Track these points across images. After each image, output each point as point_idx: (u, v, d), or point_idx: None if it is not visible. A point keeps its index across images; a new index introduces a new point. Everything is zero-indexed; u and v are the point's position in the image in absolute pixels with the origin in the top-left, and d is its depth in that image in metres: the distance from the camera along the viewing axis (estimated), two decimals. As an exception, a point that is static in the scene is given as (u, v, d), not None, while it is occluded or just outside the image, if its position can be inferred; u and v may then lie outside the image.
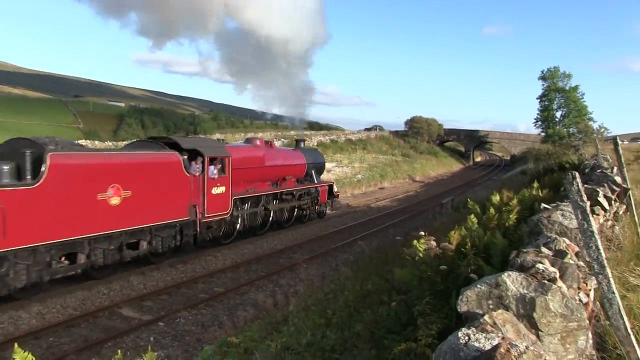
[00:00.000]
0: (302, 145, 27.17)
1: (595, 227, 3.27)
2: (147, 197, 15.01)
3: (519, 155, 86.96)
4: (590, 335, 3.85)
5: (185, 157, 16.79)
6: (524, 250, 4.05)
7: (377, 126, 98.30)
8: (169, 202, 15.86)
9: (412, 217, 29.03)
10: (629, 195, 8.42)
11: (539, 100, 69.03)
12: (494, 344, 2.37)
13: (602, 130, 37.75)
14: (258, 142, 22.61)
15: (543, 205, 6.41)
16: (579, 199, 3.19)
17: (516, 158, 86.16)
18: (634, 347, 3.25)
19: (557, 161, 23.02)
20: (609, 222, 8.17)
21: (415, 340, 4.77)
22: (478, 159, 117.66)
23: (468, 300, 3.04)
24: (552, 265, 3.64)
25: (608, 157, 16.61)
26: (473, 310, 3.03)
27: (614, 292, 3.24)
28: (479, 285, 3.07)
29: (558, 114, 67.23)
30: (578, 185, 3.19)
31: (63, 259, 13.26)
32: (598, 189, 7.59)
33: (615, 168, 10.60)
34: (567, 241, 4.68)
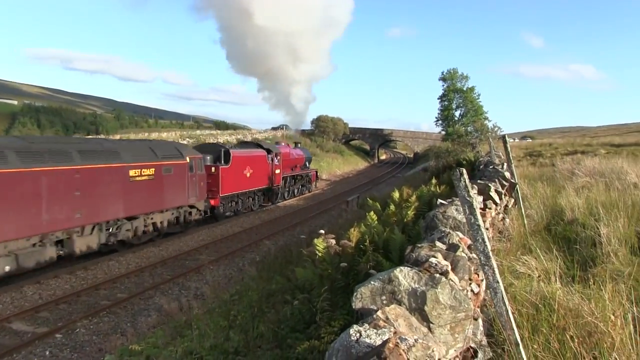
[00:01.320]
0: (299, 145, 44.05)
1: (481, 220, 3.40)
2: (256, 173, 29.87)
3: (421, 153, 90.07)
4: (481, 322, 4.01)
5: (266, 153, 32.02)
6: (419, 245, 4.15)
7: (284, 125, 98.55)
8: (264, 175, 31.44)
9: (319, 214, 29.31)
10: (517, 189, 8.90)
11: (439, 100, 71.72)
12: (384, 339, 2.39)
13: (496, 129, 39.66)
14: (283, 144, 39.51)
15: (440, 200, 6.63)
16: (466, 195, 3.30)
17: (419, 156, 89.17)
18: (513, 329, 3.42)
19: (455, 158, 24.03)
20: (500, 215, 8.61)
21: (318, 337, 4.77)
22: (383, 157, 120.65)
23: (362, 297, 3.07)
24: (445, 258, 3.75)
25: (500, 154, 17.41)
26: (367, 306, 3.06)
27: (498, 282, 3.38)
28: (372, 282, 3.10)
29: (457, 114, 70.17)
30: (465, 182, 3.31)
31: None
32: (490, 184, 7.97)
33: (506, 164, 11.16)
34: (460, 235, 4.85)
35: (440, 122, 72.38)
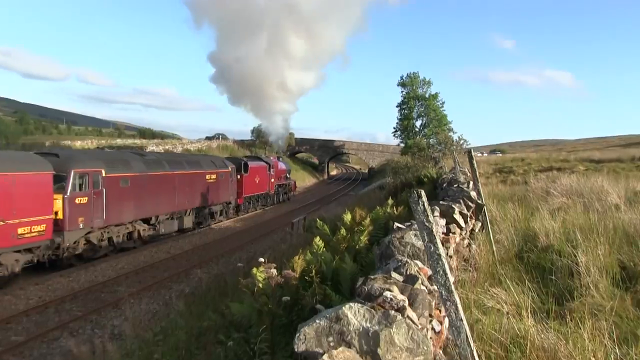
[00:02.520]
0: (281, 158, 58.91)
1: (442, 250, 3.43)
2: (261, 181, 44.99)
3: (377, 168, 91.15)
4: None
5: (267, 165, 46.99)
6: (372, 276, 4.15)
7: (220, 134, 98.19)
8: (265, 183, 45.82)
9: (260, 238, 29.19)
10: (484, 211, 9.07)
11: (398, 108, 72.04)
12: (330, 390, 2.36)
13: (462, 141, 40.29)
14: (272, 158, 52.66)
15: (396, 224, 6.67)
16: (424, 220, 3.33)
17: (374, 171, 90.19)
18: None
19: (415, 175, 24.35)
20: (466, 241, 8.74)
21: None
22: (334, 173, 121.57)
23: (306, 338, 3.03)
24: (402, 292, 3.76)
25: (466, 170, 17.71)
26: (312, 349, 3.02)
27: (461, 319, 3.41)
28: (318, 320, 3.07)
29: (418, 124, 70.66)
30: (424, 205, 3.33)
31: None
32: (454, 206, 8.09)
33: (472, 183, 11.35)
34: (420, 264, 4.87)
35: (398, 133, 72.50)
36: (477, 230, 9.27)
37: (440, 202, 8.45)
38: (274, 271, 5.83)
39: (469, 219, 8.52)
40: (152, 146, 65.54)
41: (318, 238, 7.15)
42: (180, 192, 30.04)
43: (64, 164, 21.60)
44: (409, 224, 6.76)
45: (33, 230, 18.97)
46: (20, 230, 18.42)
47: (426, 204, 3.38)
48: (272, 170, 48.57)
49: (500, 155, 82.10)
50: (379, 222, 8.86)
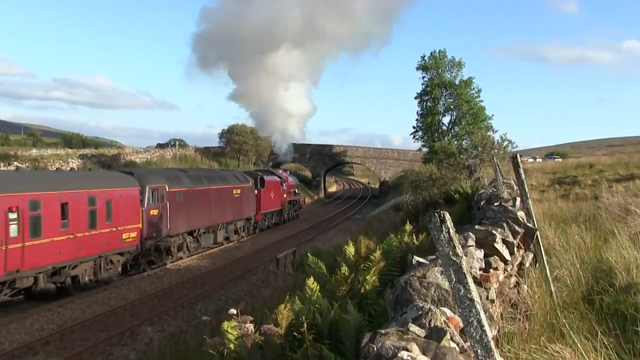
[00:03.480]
0: (288, 172, 75.10)
1: (475, 292, 3.43)
2: (276, 196, 59.86)
3: (391, 181, 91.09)
4: None
5: (280, 178, 63.26)
6: (383, 331, 4.14)
7: (177, 141, 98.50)
8: (279, 199, 60.89)
9: (233, 281, 29.23)
10: (537, 238, 9.06)
11: (418, 99, 71.98)
12: None
13: (505, 143, 40.07)
14: (280, 172, 66.98)
15: (416, 258, 6.66)
16: (450, 252, 3.34)
17: (388, 186, 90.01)
18: None
19: (442, 190, 24.34)
20: (512, 280, 8.70)
21: None
22: (333, 189, 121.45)
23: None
24: (424, 351, 3.74)
25: (512, 182, 17.68)
26: None
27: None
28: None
29: (446, 120, 70.01)
30: (449, 232, 3.33)
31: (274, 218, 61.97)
32: (495, 232, 8.06)
33: (519, 199, 11.31)
34: (449, 312, 4.87)
35: (419, 133, 71.82)
36: (527, 265, 9.24)
37: (477, 226, 8.44)
38: (250, 326, 5.83)
39: (516, 249, 8.51)
40: (74, 161, 64.81)
41: (311, 279, 7.14)
42: (215, 207, 42.63)
43: (140, 180, 33.57)
44: (434, 257, 6.75)
45: (130, 237, 31.46)
46: (124, 236, 30.96)
47: (452, 231, 3.37)
48: (284, 184, 62.08)
49: (560, 160, 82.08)
50: (393, 256, 8.85)
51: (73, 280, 27.85)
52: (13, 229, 24.24)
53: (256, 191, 51.84)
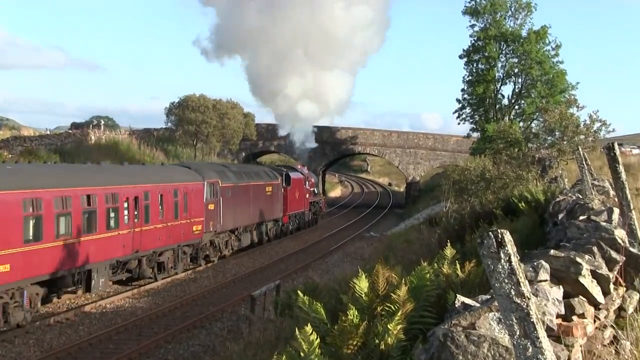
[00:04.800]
0: (306, 167, 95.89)
1: (550, 352, 3.42)
2: (300, 195, 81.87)
3: (424, 181, 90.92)
4: None
5: (303, 175, 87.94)
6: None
7: (102, 119, 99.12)
8: (303, 198, 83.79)
9: (191, 329, 29.43)
10: (644, 270, 9.05)
11: (464, 60, 71.68)
12: None
13: (597, 125, 39.50)
14: (299, 167, 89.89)
15: (461, 299, 6.67)
16: (512, 291, 3.32)
17: (418, 189, 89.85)
18: None
19: (501, 196, 24.31)
20: (607, 332, 8.68)
21: None
22: (336, 193, 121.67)
23: None
24: None
25: (607, 184, 17.58)
26: None
27: None
28: None
29: (506, 91, 69.59)
30: (509, 261, 3.31)
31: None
32: (580, 260, 8.06)
33: (617, 210, 11.25)
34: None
35: (466, 111, 71.75)
36: (631, 310, 9.23)
37: (552, 251, 8.43)
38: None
39: (612, 286, 8.52)
40: None
41: (308, 328, 7.16)
42: (253, 204, 60.06)
43: (200, 174, 50.33)
44: (488, 297, 6.74)
45: (197, 229, 48.14)
46: (194, 228, 47.49)
47: (515, 259, 3.36)
48: (307, 183, 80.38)
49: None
50: (427, 295, 8.88)
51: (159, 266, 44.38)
52: (137, 214, 41.28)
53: (282, 189, 69.47)
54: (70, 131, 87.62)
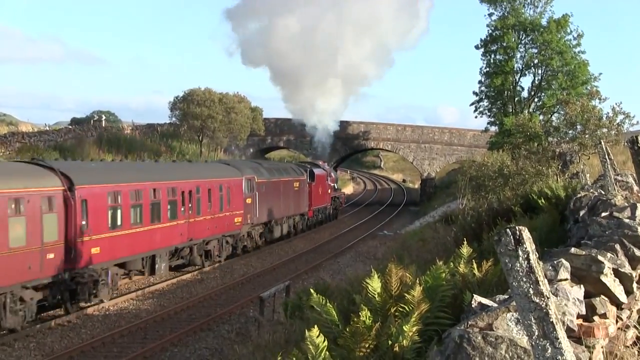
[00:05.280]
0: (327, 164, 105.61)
1: (570, 353, 3.28)
2: (323, 191, 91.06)
3: (440, 177, 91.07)
4: None
5: (325, 171, 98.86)
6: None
7: (103, 114, 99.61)
8: (325, 193, 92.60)
9: (197, 333, 29.45)
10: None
11: (482, 50, 71.99)
12: None
13: (620, 118, 39.22)
14: (321, 163, 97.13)
15: (478, 299, 6.56)
16: (530, 291, 3.18)
17: (434, 185, 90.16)
18: None
19: (520, 192, 24.21)
20: (630, 333, 8.55)
21: None
22: (348, 190, 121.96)
23: None
24: None
25: (631, 179, 17.51)
26: None
27: None
28: None
29: (525, 83, 69.27)
30: (528, 259, 3.17)
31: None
32: (602, 258, 7.92)
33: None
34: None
35: (484, 103, 72.09)
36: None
37: (573, 249, 8.32)
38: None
39: (636, 285, 8.39)
40: None
41: (315, 330, 7.04)
42: (283, 199, 68.23)
43: (238, 170, 59.28)
44: (506, 297, 6.64)
45: (237, 221, 57.09)
46: (235, 220, 56.66)
47: (533, 257, 3.23)
48: (329, 178, 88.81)
49: None
50: (442, 295, 8.79)
51: (206, 254, 52.48)
52: (190, 206, 49.00)
53: (307, 185, 77.80)
54: (70, 127, 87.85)
